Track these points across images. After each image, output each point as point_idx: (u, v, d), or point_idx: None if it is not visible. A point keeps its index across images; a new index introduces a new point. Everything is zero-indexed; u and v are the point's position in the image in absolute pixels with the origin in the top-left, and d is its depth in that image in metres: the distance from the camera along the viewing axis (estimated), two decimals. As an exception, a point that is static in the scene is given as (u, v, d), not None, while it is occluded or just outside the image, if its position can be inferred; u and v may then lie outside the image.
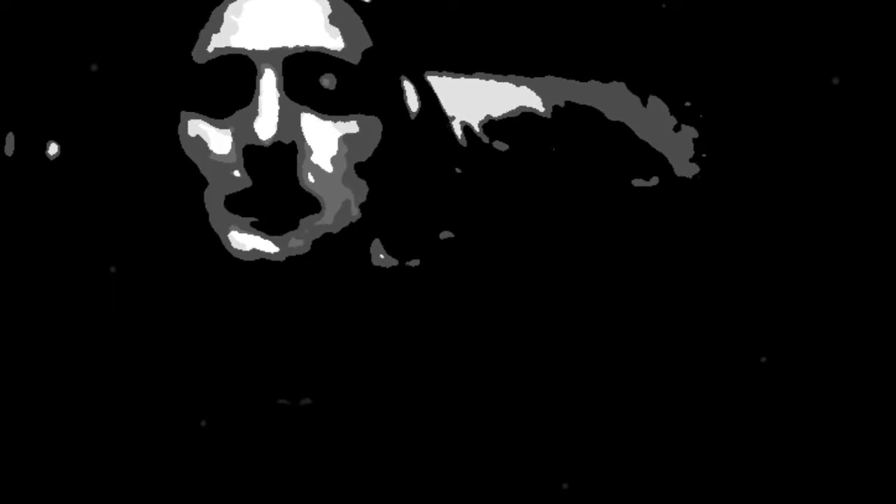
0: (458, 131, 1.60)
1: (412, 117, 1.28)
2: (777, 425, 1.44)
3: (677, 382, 1.31)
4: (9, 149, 1.41)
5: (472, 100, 1.62)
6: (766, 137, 1.71)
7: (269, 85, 1.15)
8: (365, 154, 1.20)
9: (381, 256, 1.30)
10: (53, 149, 1.40)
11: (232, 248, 1.16)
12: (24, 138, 1.41)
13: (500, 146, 1.62)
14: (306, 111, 1.18)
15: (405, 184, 1.29)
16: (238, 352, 1.22)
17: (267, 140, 1.13)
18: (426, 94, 1.31)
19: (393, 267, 1.30)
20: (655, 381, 1.29)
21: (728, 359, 1.47)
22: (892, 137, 1.67)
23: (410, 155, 1.28)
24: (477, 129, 1.62)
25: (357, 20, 1.22)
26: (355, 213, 1.19)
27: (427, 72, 1.49)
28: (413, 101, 1.29)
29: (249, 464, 1.19)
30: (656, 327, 1.45)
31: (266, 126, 1.13)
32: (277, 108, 1.14)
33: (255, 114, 1.14)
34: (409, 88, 1.29)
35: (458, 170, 1.54)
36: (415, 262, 1.31)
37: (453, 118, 1.59)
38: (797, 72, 1.71)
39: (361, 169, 1.19)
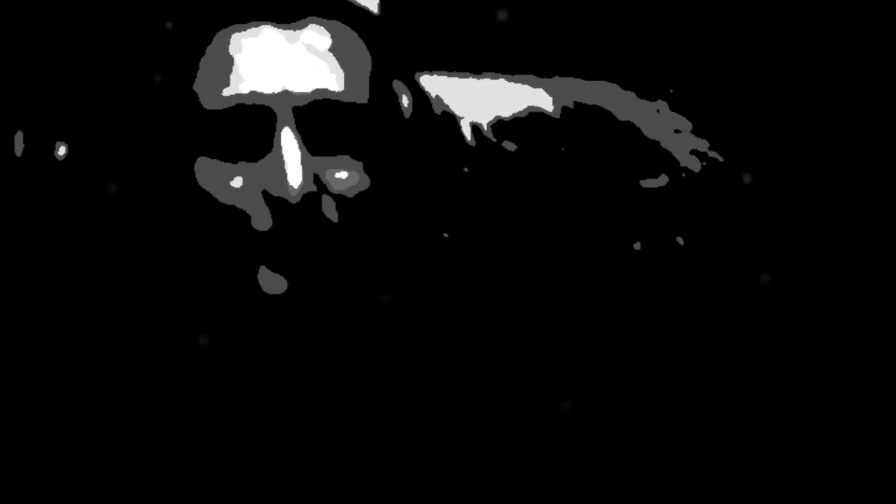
0: (467, 131, 1.60)
1: (407, 117, 1.29)
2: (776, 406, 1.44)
3: (683, 375, 1.32)
4: (18, 148, 1.41)
5: (481, 100, 1.62)
6: (774, 138, 1.71)
7: (289, 140, 1.19)
8: (379, 172, 1.22)
9: (390, 256, 1.30)
10: (62, 149, 1.40)
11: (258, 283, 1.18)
12: (32, 139, 1.41)
13: (510, 146, 1.61)
14: (324, 159, 1.20)
15: (414, 186, 1.30)
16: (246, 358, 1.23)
17: (296, 192, 1.17)
18: (425, 97, 1.32)
19: (399, 268, 1.30)
20: (660, 373, 1.29)
21: (734, 353, 1.47)
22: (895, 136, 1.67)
23: (419, 159, 1.29)
24: (486, 129, 1.62)
25: (358, 34, 1.23)
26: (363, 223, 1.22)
27: (436, 73, 1.48)
28: (407, 105, 1.30)
29: (251, 462, 1.19)
30: (663, 324, 1.44)
31: (294, 178, 1.17)
32: (300, 160, 1.18)
33: (281, 166, 1.18)
34: (405, 92, 1.30)
35: (465, 169, 1.54)
36: (420, 262, 1.31)
37: (462, 118, 1.59)
38: (805, 72, 1.71)
39: (377, 183, 1.22)
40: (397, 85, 1.30)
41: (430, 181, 1.38)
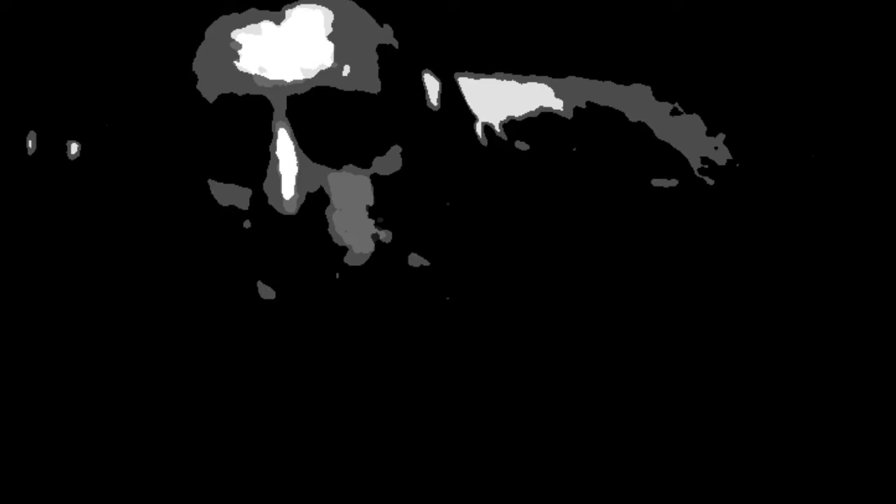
0: (480, 132, 1.60)
1: (434, 112, 1.27)
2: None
3: (693, 375, 1.32)
4: (31, 148, 1.41)
5: (493, 100, 1.62)
6: (787, 140, 1.71)
7: (286, 147, 1.08)
8: (390, 179, 1.15)
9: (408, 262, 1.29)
10: (74, 149, 1.41)
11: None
12: (45, 138, 1.41)
13: (521, 146, 1.61)
14: (328, 170, 1.12)
15: (429, 188, 1.29)
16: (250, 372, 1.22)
17: (293, 209, 1.07)
18: (451, 93, 1.30)
19: (416, 270, 1.30)
20: (670, 371, 1.29)
21: (745, 355, 1.47)
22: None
23: (434, 158, 1.28)
24: (498, 129, 1.62)
25: (369, 23, 1.17)
26: (385, 237, 1.16)
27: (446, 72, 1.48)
28: (434, 99, 1.28)
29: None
30: (674, 326, 1.44)
31: (290, 193, 1.07)
32: (297, 171, 1.07)
33: (277, 180, 1.07)
34: (431, 85, 1.27)
35: (477, 171, 1.53)
36: (424, 262, 1.31)
37: (474, 118, 1.59)
38: (818, 74, 1.70)
39: (387, 193, 1.15)
40: (429, 80, 1.25)
41: (442, 184, 1.38)
